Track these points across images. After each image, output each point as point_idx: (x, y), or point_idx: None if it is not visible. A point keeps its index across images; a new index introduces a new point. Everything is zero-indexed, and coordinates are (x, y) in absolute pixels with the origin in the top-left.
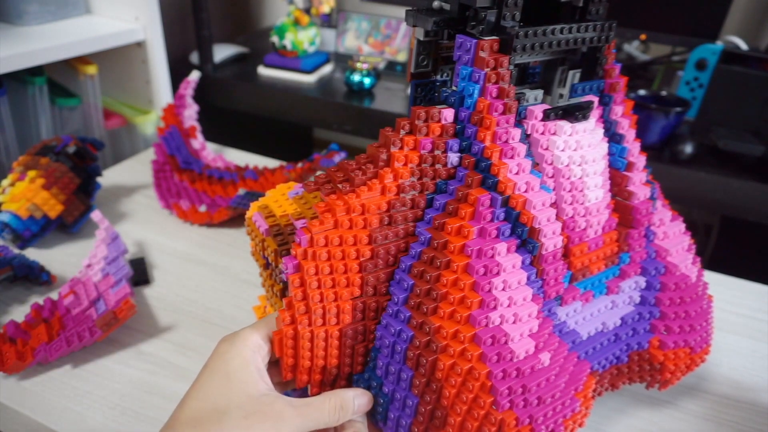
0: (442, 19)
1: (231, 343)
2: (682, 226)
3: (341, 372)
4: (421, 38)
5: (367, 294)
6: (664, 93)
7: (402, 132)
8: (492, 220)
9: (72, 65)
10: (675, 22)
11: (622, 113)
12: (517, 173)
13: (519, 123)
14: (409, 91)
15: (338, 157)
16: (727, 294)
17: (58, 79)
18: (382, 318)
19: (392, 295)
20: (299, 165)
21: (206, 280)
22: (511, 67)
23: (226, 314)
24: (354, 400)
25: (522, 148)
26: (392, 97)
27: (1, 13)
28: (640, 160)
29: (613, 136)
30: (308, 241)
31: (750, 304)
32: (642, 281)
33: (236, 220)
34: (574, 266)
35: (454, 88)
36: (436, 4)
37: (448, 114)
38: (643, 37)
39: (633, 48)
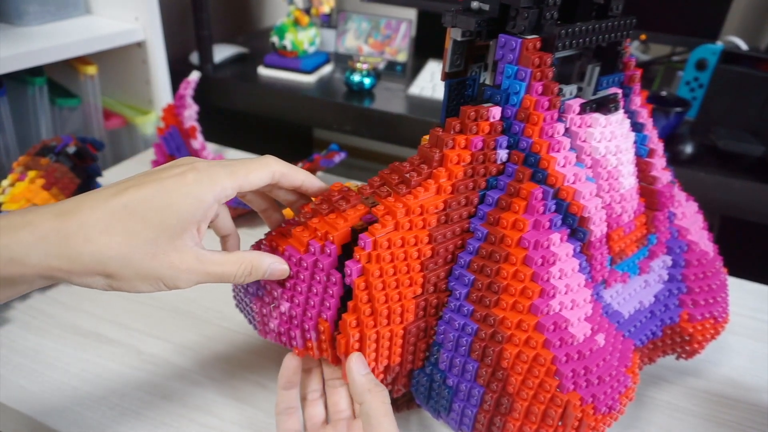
0: (483, 19)
1: (200, 183)
2: (696, 206)
3: (402, 369)
4: (459, 38)
5: (428, 291)
6: (664, 93)
7: (452, 131)
8: (544, 212)
9: (72, 65)
10: (675, 22)
11: (640, 103)
12: (564, 166)
13: (559, 118)
14: (410, 91)
15: (338, 158)
16: None
17: (58, 79)
18: (444, 313)
19: (453, 291)
20: (299, 165)
21: None
22: (556, 63)
23: (225, 314)
24: (269, 266)
25: (567, 142)
26: (392, 98)
27: (1, 13)
28: (659, 146)
29: (634, 126)
30: (372, 245)
31: (750, 304)
32: (668, 260)
33: (236, 220)
34: (613, 250)
35: (489, 84)
36: (474, 4)
37: (496, 112)
38: (643, 37)
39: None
